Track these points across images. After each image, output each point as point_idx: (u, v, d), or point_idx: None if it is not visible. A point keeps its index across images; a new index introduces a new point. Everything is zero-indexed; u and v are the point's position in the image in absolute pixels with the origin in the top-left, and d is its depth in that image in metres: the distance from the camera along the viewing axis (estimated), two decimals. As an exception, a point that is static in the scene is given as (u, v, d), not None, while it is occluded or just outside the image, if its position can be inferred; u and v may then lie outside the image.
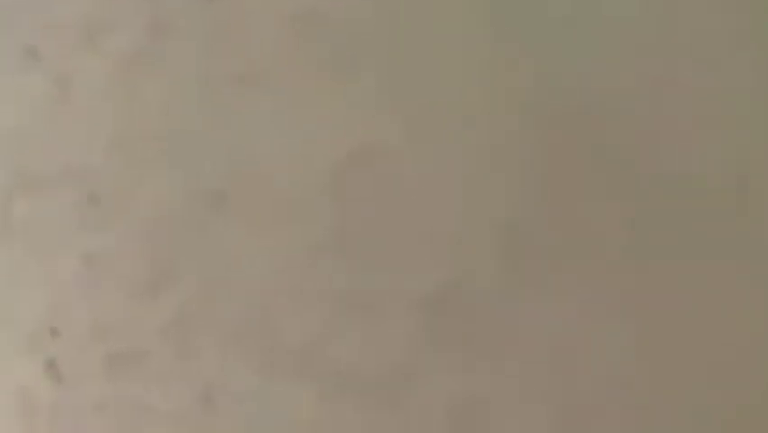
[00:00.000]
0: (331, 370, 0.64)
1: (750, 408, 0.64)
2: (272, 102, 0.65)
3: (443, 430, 0.64)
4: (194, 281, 0.64)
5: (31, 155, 0.65)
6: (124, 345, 0.64)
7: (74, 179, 0.64)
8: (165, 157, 0.65)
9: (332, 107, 0.65)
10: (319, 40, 0.66)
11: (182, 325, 0.64)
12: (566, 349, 0.64)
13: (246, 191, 0.65)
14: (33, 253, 0.64)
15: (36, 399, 0.63)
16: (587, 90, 0.65)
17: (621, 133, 0.65)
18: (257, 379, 0.64)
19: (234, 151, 0.65)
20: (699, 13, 0.66)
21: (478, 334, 0.64)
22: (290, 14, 0.66)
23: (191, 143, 0.65)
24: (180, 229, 0.64)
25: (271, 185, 0.65)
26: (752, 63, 0.65)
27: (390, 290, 0.65)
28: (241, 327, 0.64)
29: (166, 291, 0.64)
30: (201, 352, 0.64)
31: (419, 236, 0.65)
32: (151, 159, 0.65)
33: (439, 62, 0.66)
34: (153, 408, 0.63)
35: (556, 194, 0.65)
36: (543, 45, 0.66)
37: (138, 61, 0.65)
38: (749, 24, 0.66)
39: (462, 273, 0.65)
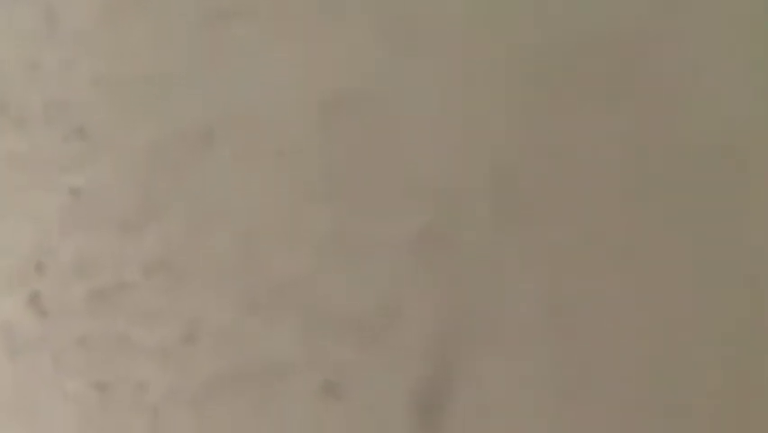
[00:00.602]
0: (316, 308, 0.64)
1: (748, 358, 0.64)
2: (261, 39, 0.65)
3: (426, 370, 0.64)
4: (180, 218, 0.64)
5: (17, 89, 0.64)
6: (109, 281, 0.64)
7: (61, 113, 0.64)
8: (153, 93, 0.65)
9: (321, 46, 0.65)
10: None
11: (167, 261, 0.64)
12: (554, 293, 0.64)
13: (234, 129, 0.65)
14: (20, 187, 0.64)
15: (19, 333, 0.63)
16: (581, 33, 0.65)
17: (615, 76, 0.65)
18: (241, 316, 0.64)
19: (223, 88, 0.65)
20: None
21: (464, 276, 0.65)
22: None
23: (179, 80, 0.65)
24: (168, 166, 0.64)
25: (260, 123, 0.65)
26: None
27: (377, 230, 0.65)
28: (226, 264, 0.64)
29: (152, 227, 0.64)
30: (186, 288, 0.64)
31: (408, 177, 0.65)
32: (140, 94, 0.65)
33: (431, 1, 0.66)
34: (137, 344, 0.63)
35: (548, 136, 0.65)
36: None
37: (127, -3, 0.65)
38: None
39: (450, 215, 0.65)
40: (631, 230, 0.64)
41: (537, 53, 0.65)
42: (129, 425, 0.63)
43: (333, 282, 0.64)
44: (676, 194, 0.65)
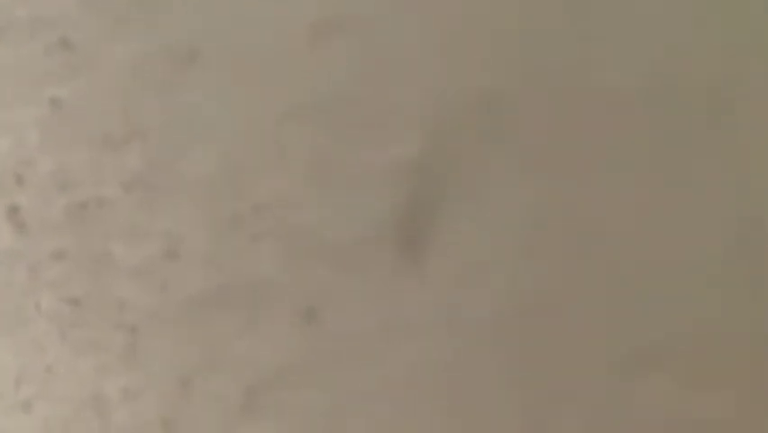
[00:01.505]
0: (297, 232, 0.63)
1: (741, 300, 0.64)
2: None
3: (411, 297, 0.63)
4: (163, 135, 0.63)
5: (1, 2, 0.63)
6: (89, 196, 0.62)
7: (46, 26, 0.63)
8: (140, 8, 0.64)
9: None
10: None
11: (148, 178, 0.63)
12: (543, 224, 0.64)
13: (221, 49, 0.64)
14: (1, 98, 0.63)
15: (-5, 244, 0.62)
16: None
17: (616, 16, 0.65)
18: (222, 235, 0.63)
19: (211, 7, 0.64)
20: None
21: (451, 206, 0.64)
22: None
23: (166, -2, 0.64)
24: (152, 82, 0.63)
25: (247, 45, 0.64)
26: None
27: (363, 158, 0.64)
28: (208, 183, 0.63)
29: (134, 143, 0.63)
30: (166, 207, 0.63)
31: (394, 105, 0.64)
32: (126, 9, 0.64)
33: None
34: (115, 260, 0.62)
35: (537, 63, 0.64)
36: None
37: None
38: None
39: (437, 144, 0.64)
40: (620, 152, 0.64)
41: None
42: (105, 342, 0.62)
43: (317, 206, 0.63)
44: (666, 114, 0.64)
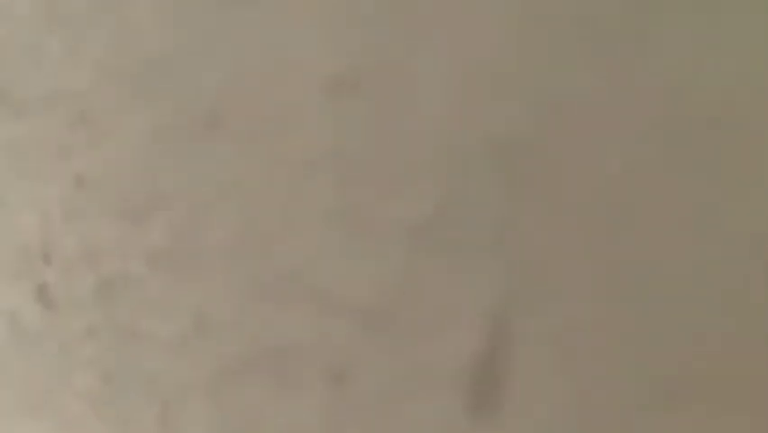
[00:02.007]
0: (322, 293, 0.62)
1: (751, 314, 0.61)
2: (264, 20, 0.63)
3: (434, 353, 0.61)
4: (185, 205, 0.63)
5: (18, 77, 0.63)
6: (115, 271, 0.62)
7: (63, 100, 0.63)
8: (156, 77, 0.63)
9: (326, 23, 0.63)
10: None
11: (173, 250, 0.62)
12: (560, 273, 0.62)
13: (238, 112, 0.63)
14: (23, 176, 0.63)
15: (25, 324, 0.62)
16: (588, 4, 0.62)
17: (624, 49, 0.62)
18: (249, 304, 0.62)
19: (226, 70, 0.63)
20: None
21: (474, 256, 0.62)
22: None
23: (182, 63, 0.63)
24: (171, 151, 0.63)
25: (264, 105, 0.63)
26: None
27: (383, 212, 0.62)
28: (233, 251, 0.62)
29: (157, 215, 0.63)
30: (192, 277, 0.62)
31: (415, 156, 0.63)
32: (142, 79, 0.63)
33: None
34: (144, 334, 0.62)
35: (556, 112, 0.62)
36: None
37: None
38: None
39: (458, 196, 0.62)
40: (639, 193, 0.61)
41: (548, 27, 0.62)
42: (139, 417, 0.62)
43: (340, 266, 0.62)
44: (680, 152, 0.61)
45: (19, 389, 0.62)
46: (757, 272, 0.60)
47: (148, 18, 0.63)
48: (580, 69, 0.60)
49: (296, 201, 0.62)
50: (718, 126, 0.60)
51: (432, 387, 0.61)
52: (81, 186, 0.63)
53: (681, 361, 0.60)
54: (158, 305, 0.62)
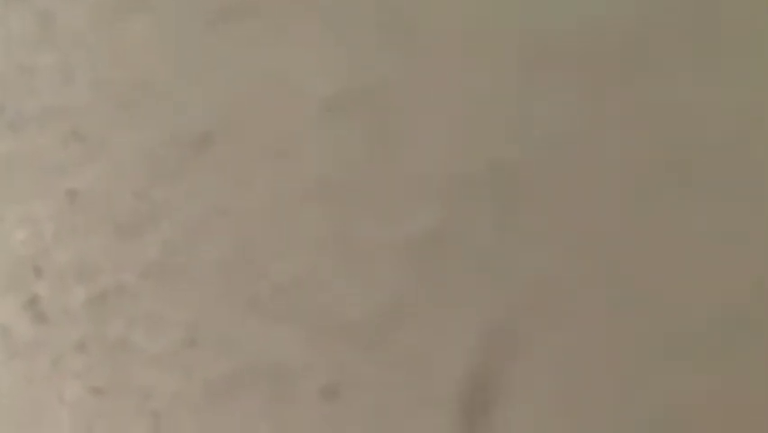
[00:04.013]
0: (317, 312, 0.63)
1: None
2: (259, 42, 0.64)
3: (428, 372, 0.63)
4: (178, 221, 0.63)
5: (13, 93, 0.64)
6: (107, 285, 0.63)
7: (57, 117, 0.64)
8: (150, 95, 0.64)
9: (320, 47, 0.64)
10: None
11: (166, 265, 0.63)
12: (556, 296, 0.63)
13: (232, 131, 0.64)
14: (17, 190, 0.63)
15: (16, 337, 0.62)
16: (588, 31, 0.64)
17: (615, 65, 0.64)
18: (242, 320, 0.63)
19: (221, 90, 0.64)
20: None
21: (467, 278, 0.63)
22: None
23: (177, 82, 0.64)
24: (165, 168, 0.64)
25: (258, 125, 0.64)
26: None
27: (379, 233, 0.64)
28: (225, 267, 0.63)
29: (150, 231, 0.63)
30: (185, 293, 0.63)
31: (409, 179, 0.64)
32: (136, 97, 0.64)
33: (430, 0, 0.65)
34: (136, 349, 0.62)
35: (552, 135, 0.64)
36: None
37: (124, -2, 0.65)
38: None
39: (453, 217, 0.64)
40: (633, 219, 0.63)
41: (546, 51, 0.64)
42: (130, 430, 0.62)
43: (334, 284, 0.63)
44: (676, 178, 0.63)
45: (9, 401, 0.62)
46: (741, 315, 0.62)
47: (142, 37, 0.64)
48: (578, 100, 0.62)
49: (290, 219, 0.63)
50: (709, 156, 0.62)
51: (425, 405, 0.62)
52: (74, 201, 0.63)
53: (675, 391, 0.61)
54: (149, 319, 0.63)
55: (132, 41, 0.64)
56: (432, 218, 0.63)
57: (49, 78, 0.64)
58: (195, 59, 0.64)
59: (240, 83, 0.64)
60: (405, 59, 0.65)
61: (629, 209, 0.63)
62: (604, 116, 0.64)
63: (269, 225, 0.63)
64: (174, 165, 0.63)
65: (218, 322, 0.63)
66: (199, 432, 0.62)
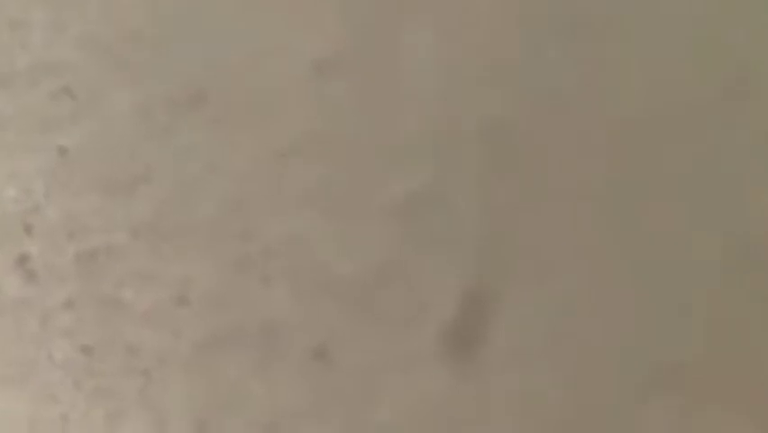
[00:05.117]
0: (306, 270, 0.63)
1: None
2: (251, 0, 0.64)
3: (419, 332, 0.63)
4: (169, 179, 0.63)
5: (2, 49, 0.63)
6: (98, 243, 0.63)
7: (48, 73, 0.63)
8: (142, 53, 0.64)
9: (312, 7, 0.64)
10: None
11: (157, 223, 0.63)
12: (548, 257, 0.63)
13: (224, 90, 0.64)
14: (6, 147, 0.63)
15: (5, 295, 0.62)
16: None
17: (615, 44, 0.64)
18: (231, 278, 0.63)
19: (213, 49, 0.64)
20: None
21: (457, 237, 0.64)
22: None
23: (169, 40, 0.64)
24: (156, 126, 0.63)
25: (250, 84, 0.64)
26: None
27: (366, 193, 0.64)
28: (216, 226, 0.63)
29: (141, 188, 0.63)
30: (175, 251, 0.63)
31: (396, 139, 0.64)
32: (128, 54, 0.64)
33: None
34: (126, 306, 0.62)
35: (537, 96, 0.64)
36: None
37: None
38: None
39: (438, 177, 0.64)
40: (621, 183, 0.63)
41: (535, 10, 0.64)
42: (119, 389, 0.62)
43: (324, 244, 0.63)
44: (666, 136, 0.64)
45: (-3, 359, 0.62)
46: (734, 270, 0.62)
47: (135, -6, 0.64)
48: (570, 58, 0.62)
49: (280, 179, 0.63)
50: (701, 113, 0.62)
51: (413, 363, 0.62)
52: (64, 158, 0.63)
53: (661, 350, 0.62)
54: (139, 277, 0.62)
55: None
56: (421, 177, 0.63)
57: (40, 33, 0.63)
58: (188, 17, 0.64)
59: (233, 42, 0.64)
60: (394, 19, 0.65)
61: (617, 169, 0.63)
62: (591, 78, 0.64)
63: (259, 185, 0.63)
64: (166, 123, 0.63)
65: (208, 281, 0.63)
66: (188, 391, 0.62)
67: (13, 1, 0.63)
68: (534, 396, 0.62)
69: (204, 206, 0.63)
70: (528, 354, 0.62)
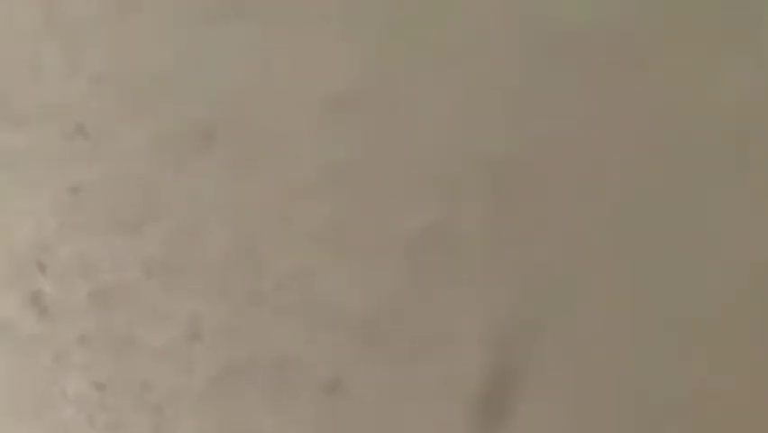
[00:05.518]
0: (317, 306, 0.63)
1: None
2: (263, 38, 0.64)
3: (428, 368, 0.63)
4: (180, 216, 0.64)
5: (16, 87, 0.64)
6: (110, 280, 0.63)
7: (60, 111, 0.64)
8: (154, 91, 0.64)
9: (322, 45, 0.64)
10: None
11: (168, 260, 0.63)
12: (555, 288, 0.64)
13: (235, 128, 0.64)
14: (19, 185, 0.63)
15: (19, 331, 0.62)
16: (583, 25, 0.64)
17: (612, 63, 0.64)
18: (243, 314, 0.63)
19: (224, 86, 0.64)
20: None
21: (464, 274, 0.64)
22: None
23: (180, 78, 0.64)
24: (168, 164, 0.64)
25: (260, 122, 0.64)
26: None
27: (377, 229, 0.64)
28: (227, 262, 0.63)
29: (152, 226, 0.63)
30: (187, 287, 0.63)
31: (407, 175, 0.64)
32: (140, 92, 0.64)
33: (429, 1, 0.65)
34: (139, 343, 0.63)
35: (546, 132, 0.64)
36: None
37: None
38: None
39: (449, 213, 0.64)
40: (629, 216, 0.64)
41: (540, 48, 0.65)
42: (132, 425, 0.62)
43: (335, 279, 0.63)
44: (673, 177, 0.64)
45: (12, 395, 0.62)
46: (740, 305, 0.62)
47: (147, 31, 0.64)
48: (575, 94, 0.62)
49: (293, 214, 0.63)
50: (707, 152, 0.62)
51: (425, 399, 0.62)
52: (76, 196, 0.63)
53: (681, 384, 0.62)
54: (152, 314, 0.63)
55: (136, 35, 0.64)
56: (431, 214, 0.64)
57: (52, 72, 0.64)
58: (199, 54, 0.64)
59: (243, 79, 0.64)
60: (407, 57, 0.65)
61: (625, 202, 0.63)
62: (599, 114, 0.64)
63: (270, 221, 0.64)
64: (178, 161, 0.64)
65: (220, 317, 0.63)
66: (201, 426, 0.63)
67: (28, 40, 0.64)
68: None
69: (215, 242, 0.63)
70: (548, 383, 0.62)
